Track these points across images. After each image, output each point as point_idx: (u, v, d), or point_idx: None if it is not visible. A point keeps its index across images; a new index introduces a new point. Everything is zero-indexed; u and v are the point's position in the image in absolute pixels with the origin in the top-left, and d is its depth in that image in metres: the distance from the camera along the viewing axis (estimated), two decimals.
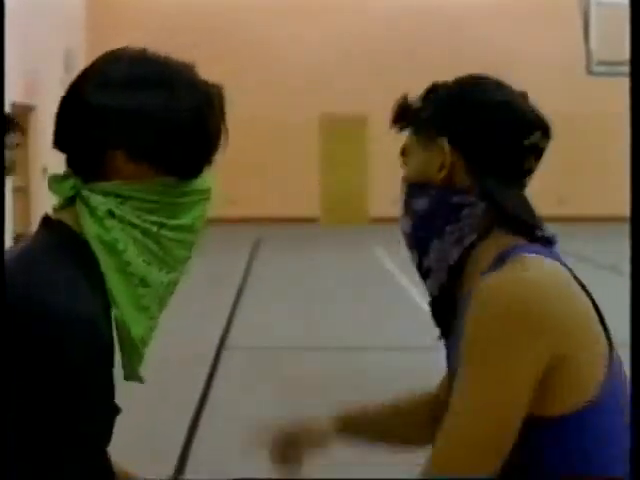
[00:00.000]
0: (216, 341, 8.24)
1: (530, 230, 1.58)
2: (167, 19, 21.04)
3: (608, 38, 14.33)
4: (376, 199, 20.34)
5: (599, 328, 1.56)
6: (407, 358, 7.52)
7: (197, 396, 6.60)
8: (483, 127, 1.61)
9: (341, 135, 20.67)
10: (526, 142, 1.61)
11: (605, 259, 14.03)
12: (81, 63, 20.28)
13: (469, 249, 1.59)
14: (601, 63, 14.99)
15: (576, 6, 15.16)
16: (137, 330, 1.38)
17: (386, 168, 18.01)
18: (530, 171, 1.65)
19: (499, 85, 1.66)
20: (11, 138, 4.55)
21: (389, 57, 21.13)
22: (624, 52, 14.24)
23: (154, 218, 1.39)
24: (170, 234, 1.40)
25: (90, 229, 1.37)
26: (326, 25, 21.17)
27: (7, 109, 14.72)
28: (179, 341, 7.68)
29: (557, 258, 1.59)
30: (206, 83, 1.45)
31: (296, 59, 21.16)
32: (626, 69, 12.86)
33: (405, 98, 1.83)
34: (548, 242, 1.60)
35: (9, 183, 15.15)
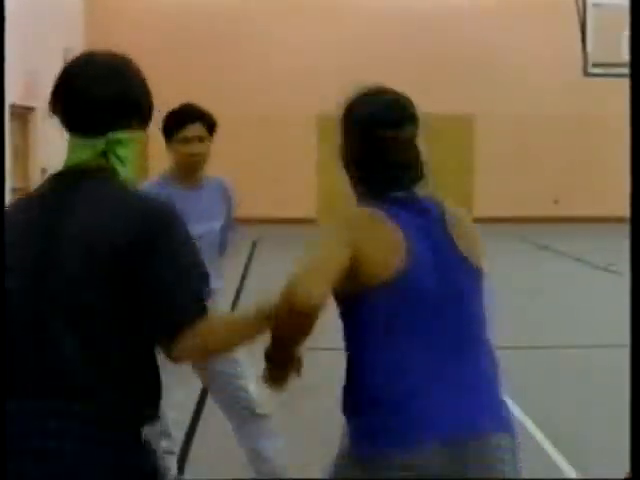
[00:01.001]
0: None
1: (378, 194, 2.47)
2: (166, 19, 21.06)
3: (604, 40, 14.37)
4: None
5: (392, 248, 2.33)
6: None
7: (196, 395, 6.62)
8: (347, 135, 2.54)
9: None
10: (376, 134, 2.47)
11: (601, 259, 14.06)
12: None
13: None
14: (597, 65, 15.01)
15: (573, 7, 15.19)
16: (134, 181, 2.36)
17: None
18: (392, 146, 2.47)
19: (364, 99, 2.53)
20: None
21: (386, 57, 21.14)
22: (620, 53, 14.27)
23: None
24: None
25: (122, 167, 2.29)
26: (325, 25, 21.20)
27: (6, 110, 14.74)
28: None
29: (397, 211, 2.41)
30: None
31: (294, 59, 21.18)
32: (622, 70, 12.88)
33: None
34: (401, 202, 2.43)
35: (9, 183, 15.15)
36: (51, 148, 17.73)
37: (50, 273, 2.16)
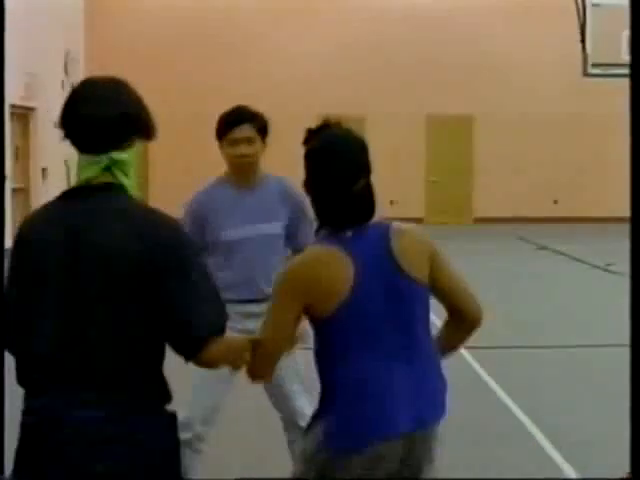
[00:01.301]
0: None
1: (334, 228, 2.83)
2: (165, 22, 21.06)
3: (604, 40, 14.37)
4: None
5: (344, 279, 2.74)
6: None
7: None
8: (310, 179, 2.90)
9: None
10: (335, 191, 2.83)
11: (601, 259, 14.06)
12: (81, 65, 20.31)
13: (319, 228, 2.91)
14: (597, 65, 15.00)
15: (573, 7, 15.19)
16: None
17: (383, 168, 18.07)
18: (348, 199, 2.81)
19: (327, 152, 2.87)
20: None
21: (385, 58, 21.15)
22: (620, 54, 14.24)
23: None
24: None
25: (127, 181, 2.55)
26: (326, 27, 21.20)
27: (5, 110, 14.75)
28: None
29: (349, 244, 2.78)
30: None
31: (294, 60, 21.19)
32: (622, 71, 12.87)
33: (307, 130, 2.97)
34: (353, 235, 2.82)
35: (9, 184, 15.16)
36: (51, 148, 17.74)
37: (72, 287, 2.45)
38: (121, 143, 2.54)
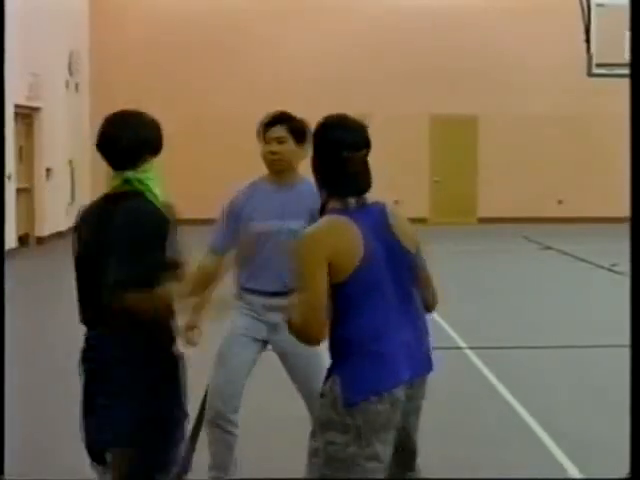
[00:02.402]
0: (217, 340, 8.24)
1: (343, 201, 3.24)
2: (170, 22, 21.06)
3: (608, 40, 14.36)
4: (373, 198, 20.33)
5: (357, 245, 3.14)
6: None
7: (199, 395, 6.63)
8: (319, 151, 3.32)
9: None
10: (342, 155, 3.24)
11: (605, 259, 14.04)
12: (85, 65, 20.34)
13: (324, 206, 3.30)
14: (601, 65, 14.98)
15: (577, 7, 15.17)
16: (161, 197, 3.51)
17: (387, 168, 18.02)
18: (352, 164, 3.25)
19: (334, 124, 3.30)
20: None
21: (388, 59, 21.16)
22: (624, 54, 14.20)
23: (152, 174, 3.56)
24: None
25: (143, 187, 3.44)
26: (328, 27, 21.21)
27: (10, 110, 14.75)
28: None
29: (355, 216, 3.20)
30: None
31: (298, 62, 21.20)
32: (626, 71, 12.85)
33: None
34: (356, 208, 3.24)
35: (12, 185, 15.16)
36: (55, 148, 17.76)
37: (99, 254, 3.39)
38: (136, 162, 3.45)
